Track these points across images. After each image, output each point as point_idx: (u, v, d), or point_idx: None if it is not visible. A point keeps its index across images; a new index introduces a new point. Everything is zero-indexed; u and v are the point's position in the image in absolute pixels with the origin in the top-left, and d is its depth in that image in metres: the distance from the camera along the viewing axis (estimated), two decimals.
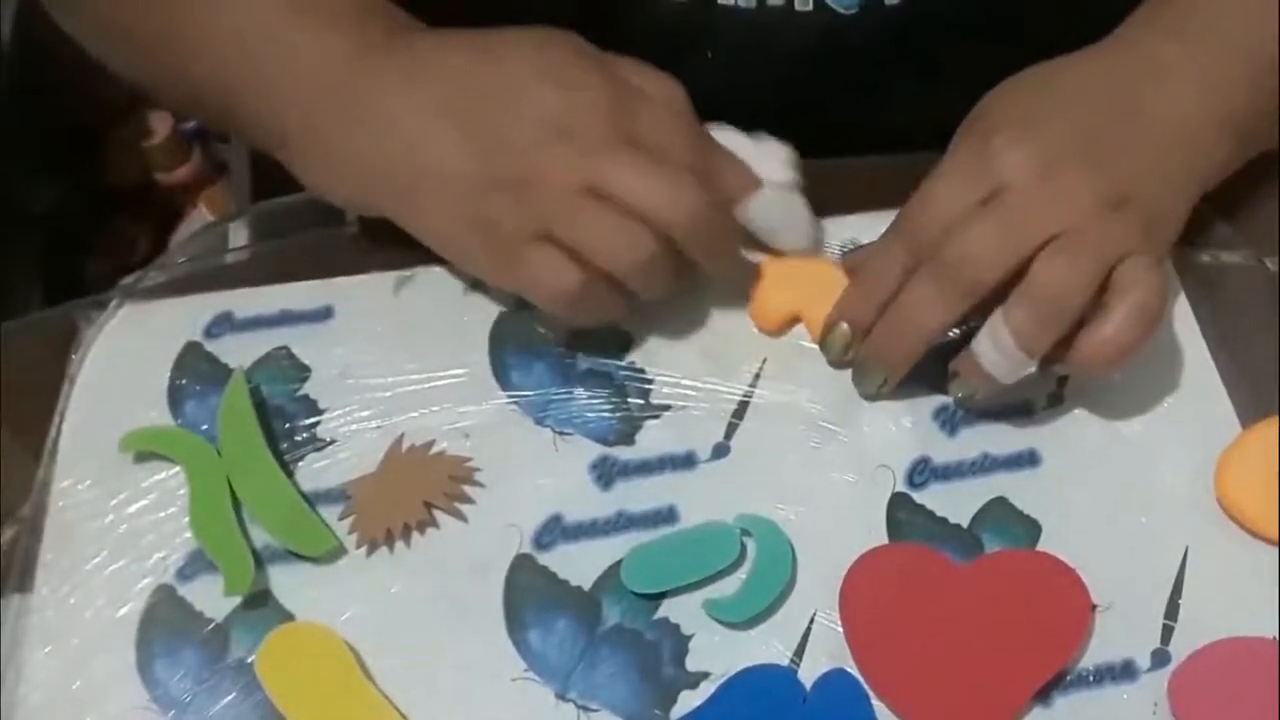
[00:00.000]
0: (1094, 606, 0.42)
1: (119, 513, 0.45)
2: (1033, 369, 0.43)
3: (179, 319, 0.49)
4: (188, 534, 0.44)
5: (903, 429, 0.46)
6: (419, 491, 0.45)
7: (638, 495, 0.45)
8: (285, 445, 0.46)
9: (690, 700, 0.41)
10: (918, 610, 0.42)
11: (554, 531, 0.44)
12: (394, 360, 0.48)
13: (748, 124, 0.48)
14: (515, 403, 0.47)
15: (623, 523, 0.44)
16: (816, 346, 0.47)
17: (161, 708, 0.41)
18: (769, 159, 0.47)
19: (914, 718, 0.40)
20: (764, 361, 0.48)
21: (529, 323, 0.49)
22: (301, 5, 0.47)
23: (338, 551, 0.44)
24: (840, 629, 0.42)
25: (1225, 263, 0.50)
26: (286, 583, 0.43)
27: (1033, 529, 0.44)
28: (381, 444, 0.46)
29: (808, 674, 0.41)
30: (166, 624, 0.43)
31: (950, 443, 0.46)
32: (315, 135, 0.46)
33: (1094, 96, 0.46)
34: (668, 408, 0.47)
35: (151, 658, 0.42)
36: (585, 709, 0.41)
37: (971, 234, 0.42)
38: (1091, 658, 0.41)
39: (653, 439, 0.46)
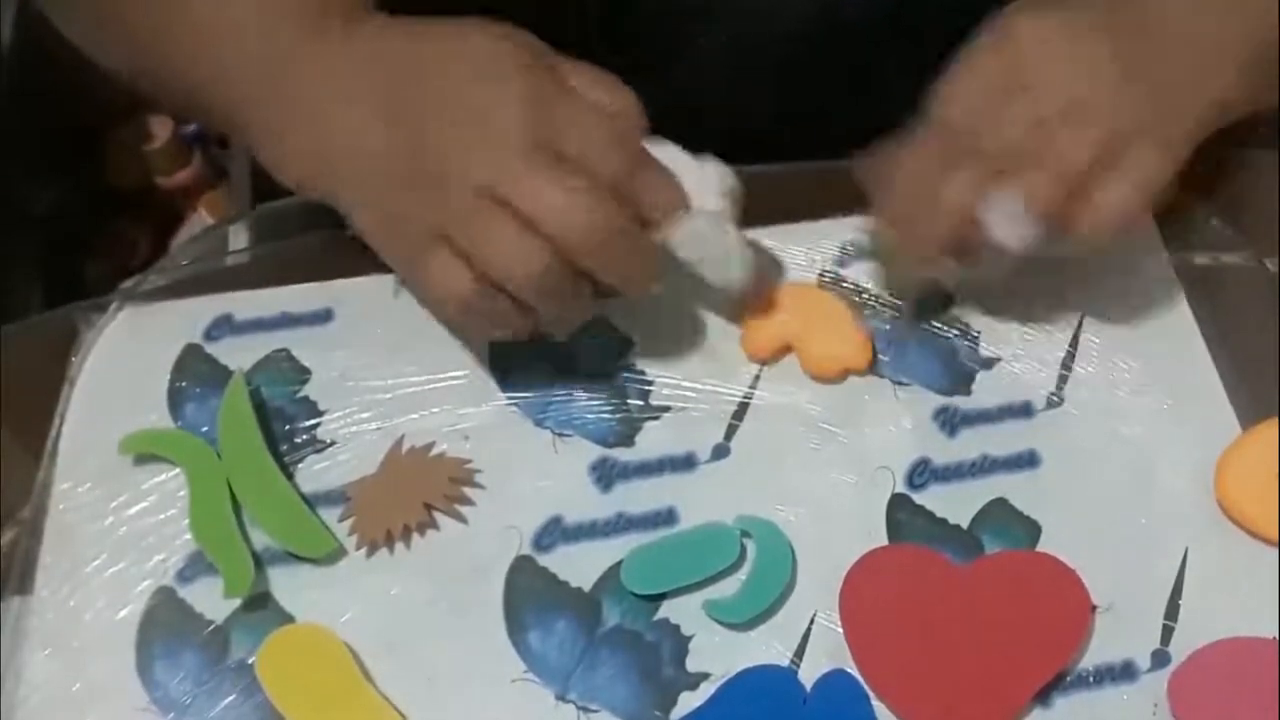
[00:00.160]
0: (1094, 607, 0.42)
1: (119, 515, 0.45)
2: (1038, 233, 0.43)
3: (179, 321, 0.49)
4: (188, 536, 0.44)
5: (902, 430, 0.46)
6: (419, 493, 0.45)
7: (637, 496, 0.45)
8: (285, 447, 0.46)
9: (690, 701, 0.41)
10: (918, 610, 0.42)
11: (554, 533, 0.44)
12: (394, 362, 0.48)
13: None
14: (515, 404, 0.47)
15: (622, 524, 0.44)
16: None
17: (161, 709, 0.41)
18: (705, 183, 0.44)
19: (914, 718, 0.40)
20: (764, 363, 0.48)
21: None
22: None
23: (338, 553, 0.44)
24: (840, 629, 0.42)
25: (1225, 263, 0.50)
26: (286, 584, 0.43)
27: (1033, 530, 0.44)
28: (381, 446, 0.46)
29: (808, 674, 0.41)
30: (166, 626, 0.43)
31: (950, 444, 0.46)
32: (263, 123, 0.46)
33: (1101, 2, 0.46)
34: (667, 409, 0.47)
35: (151, 660, 0.42)
36: (585, 710, 0.41)
37: (1001, 115, 0.43)
38: (1091, 658, 0.41)
39: (652, 440, 0.46)
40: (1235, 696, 0.40)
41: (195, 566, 0.43)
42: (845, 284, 0.50)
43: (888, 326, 0.49)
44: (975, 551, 0.44)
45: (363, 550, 0.44)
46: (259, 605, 0.43)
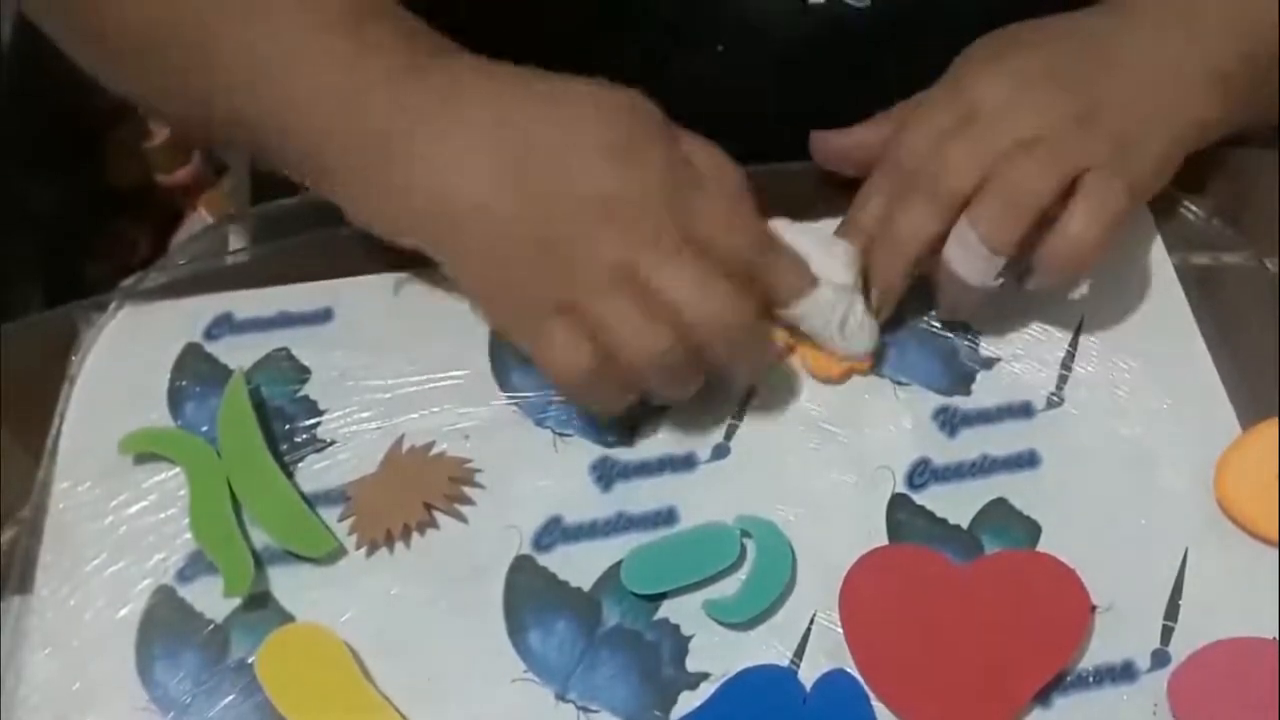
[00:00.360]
0: (1094, 607, 0.42)
1: (119, 514, 0.45)
2: (999, 267, 0.43)
3: (179, 320, 0.49)
4: (188, 535, 0.44)
5: (902, 430, 0.46)
6: (419, 493, 0.45)
7: (638, 496, 0.45)
8: (285, 446, 0.46)
9: (690, 701, 0.41)
10: (918, 610, 0.42)
11: (554, 532, 0.44)
12: (394, 361, 0.48)
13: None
14: (515, 404, 0.47)
15: (623, 524, 0.44)
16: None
17: (161, 709, 0.41)
18: (830, 257, 0.45)
19: (914, 718, 0.40)
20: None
21: None
22: (334, 24, 0.44)
23: (338, 553, 0.44)
24: (840, 629, 0.42)
25: (1225, 263, 0.50)
26: (286, 584, 0.43)
27: (1033, 529, 0.44)
28: (381, 445, 0.46)
29: (808, 674, 0.41)
30: (166, 625, 0.43)
31: (950, 444, 0.46)
32: (358, 169, 0.44)
33: (1071, 40, 0.47)
34: (667, 408, 0.47)
35: (151, 659, 0.42)
36: (585, 710, 0.41)
37: (948, 149, 0.44)
38: (1091, 658, 0.41)
39: (652, 440, 0.46)
40: (1235, 696, 0.40)
41: (195, 566, 0.43)
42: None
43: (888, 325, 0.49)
44: (975, 551, 0.44)
45: (363, 550, 0.44)
46: (259, 605, 0.43)
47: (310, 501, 0.45)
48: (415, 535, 0.44)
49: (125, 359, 0.49)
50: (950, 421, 0.46)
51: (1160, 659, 0.41)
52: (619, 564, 0.43)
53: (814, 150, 0.49)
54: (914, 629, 0.42)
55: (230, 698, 0.41)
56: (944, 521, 0.44)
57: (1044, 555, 0.43)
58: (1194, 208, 0.51)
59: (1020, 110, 0.44)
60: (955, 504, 0.45)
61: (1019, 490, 0.45)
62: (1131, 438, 0.46)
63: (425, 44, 0.45)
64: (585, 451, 0.46)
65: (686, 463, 0.46)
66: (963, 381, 0.47)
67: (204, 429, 0.46)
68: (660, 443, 0.46)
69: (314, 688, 0.41)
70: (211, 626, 0.43)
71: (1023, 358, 0.48)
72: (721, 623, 0.42)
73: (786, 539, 0.44)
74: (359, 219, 0.45)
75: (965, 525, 0.44)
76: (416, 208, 0.44)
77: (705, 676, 0.41)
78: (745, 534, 0.44)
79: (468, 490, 0.45)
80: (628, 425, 0.46)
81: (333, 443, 0.46)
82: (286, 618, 0.43)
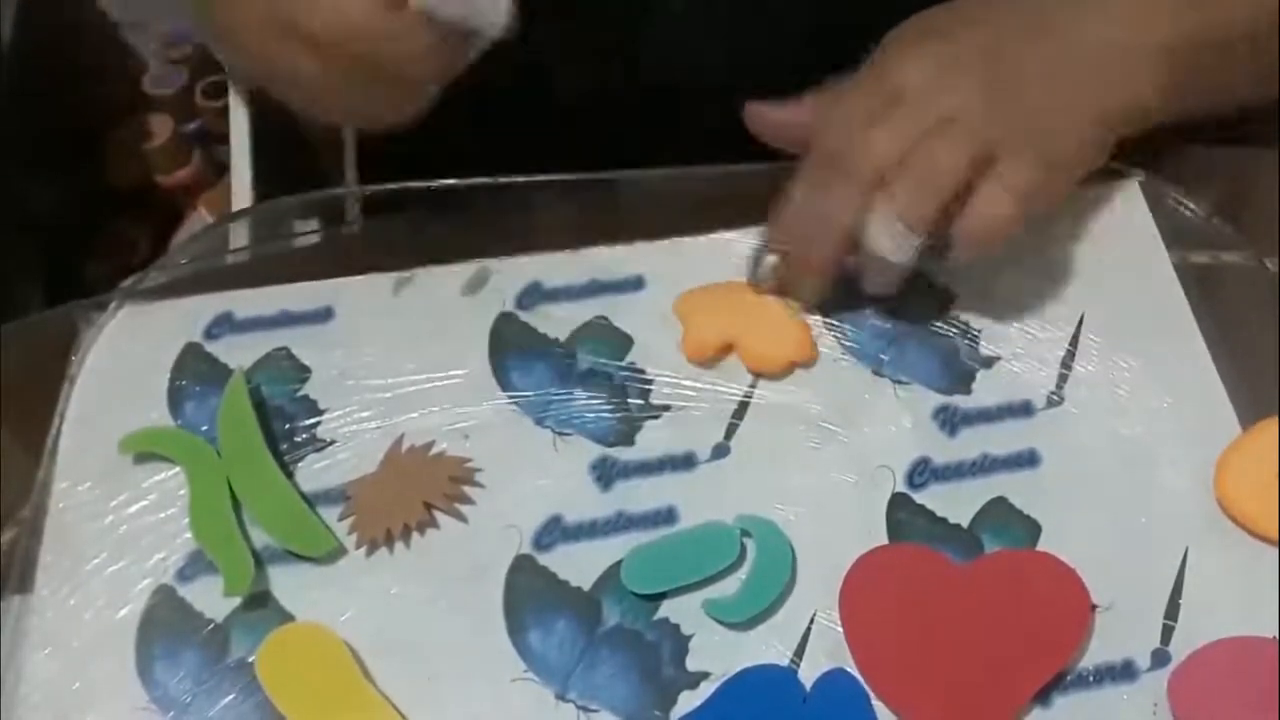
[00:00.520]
0: (1094, 606, 0.42)
1: (119, 513, 0.45)
2: (916, 244, 0.44)
3: (179, 320, 0.49)
4: (188, 535, 0.44)
5: (903, 429, 0.46)
6: (419, 492, 0.45)
7: (637, 496, 0.45)
8: (285, 446, 0.46)
9: (690, 700, 0.41)
10: (918, 610, 0.42)
11: (554, 532, 0.44)
12: (394, 361, 0.48)
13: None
14: (515, 403, 0.47)
15: (623, 523, 0.44)
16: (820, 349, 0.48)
17: (161, 708, 0.41)
18: None
19: (914, 717, 0.40)
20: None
21: (529, 323, 0.49)
22: None
23: (338, 552, 0.44)
24: (840, 629, 0.42)
25: (1225, 263, 0.50)
26: (286, 583, 0.43)
27: (1033, 529, 0.44)
28: (381, 445, 0.46)
29: (808, 674, 0.41)
30: (166, 625, 0.43)
31: (950, 443, 0.46)
32: None
33: (1010, 15, 0.47)
34: (667, 408, 0.47)
35: (151, 659, 0.42)
36: (585, 709, 0.41)
37: (870, 132, 0.44)
38: (1091, 658, 0.41)
39: (652, 439, 0.46)
40: (1235, 696, 0.40)
41: (195, 565, 0.43)
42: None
43: (888, 325, 0.49)
44: (975, 551, 0.44)
45: (363, 549, 0.44)
46: (259, 604, 0.43)
47: (310, 501, 0.45)
48: (415, 535, 0.44)
49: (125, 359, 0.49)
50: (950, 421, 0.46)
51: (1160, 658, 0.41)
52: (619, 564, 0.43)
53: (749, 122, 0.49)
54: (914, 629, 0.42)
55: (230, 697, 0.41)
56: (944, 521, 0.44)
57: (1044, 555, 0.43)
58: (1194, 207, 0.51)
59: (940, 92, 0.45)
60: (955, 503, 0.45)
61: (1019, 490, 0.45)
62: (1131, 437, 0.46)
63: None
64: (585, 451, 0.46)
65: (686, 462, 0.46)
66: (963, 381, 0.47)
67: (204, 429, 0.46)
68: (660, 442, 0.46)
69: (314, 687, 0.41)
70: (211, 626, 0.43)
71: (1023, 357, 0.48)
72: (721, 622, 0.42)
73: (786, 539, 0.44)
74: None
75: (965, 525, 0.44)
76: None
77: (705, 676, 0.41)
78: (745, 534, 0.44)
79: (468, 490, 0.45)
80: (628, 427, 0.46)
81: (333, 442, 0.46)
82: (286, 617, 0.43)
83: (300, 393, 0.48)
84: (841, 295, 0.49)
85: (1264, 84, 0.49)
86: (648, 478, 0.45)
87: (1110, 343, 0.48)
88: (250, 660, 0.42)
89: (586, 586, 0.43)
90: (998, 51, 0.46)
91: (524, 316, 0.49)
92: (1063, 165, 0.46)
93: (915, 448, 0.46)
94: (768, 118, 0.49)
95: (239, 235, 0.53)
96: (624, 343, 0.48)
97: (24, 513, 0.45)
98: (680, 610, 0.43)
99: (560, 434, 0.46)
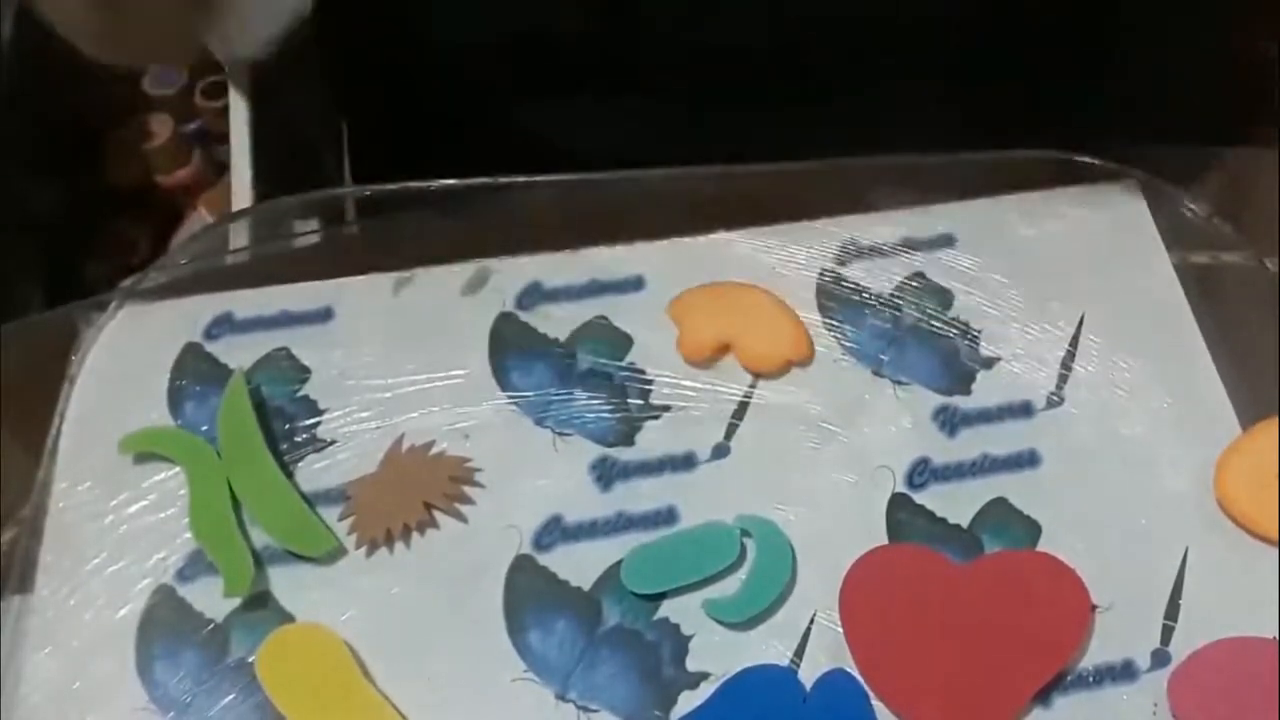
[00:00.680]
0: (1094, 606, 0.42)
1: (119, 513, 0.45)
2: None
3: (179, 320, 0.49)
4: (188, 535, 0.44)
5: (902, 429, 0.46)
6: (419, 492, 0.45)
7: (637, 496, 0.45)
8: (285, 446, 0.46)
9: (690, 701, 0.41)
10: (918, 610, 0.42)
11: (554, 532, 0.44)
12: (394, 361, 0.48)
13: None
14: (515, 403, 0.47)
15: (623, 523, 0.44)
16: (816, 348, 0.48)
17: (161, 708, 0.41)
18: None
19: (914, 717, 0.40)
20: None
21: (529, 323, 0.49)
22: None
23: (338, 552, 0.44)
24: (840, 629, 0.42)
25: (1225, 262, 0.50)
26: (286, 584, 0.43)
27: (1033, 529, 0.44)
28: (381, 444, 0.46)
29: (808, 674, 0.41)
30: (166, 625, 0.43)
31: (950, 443, 0.46)
32: None
33: None
34: (667, 408, 0.47)
35: (151, 659, 0.42)
36: (585, 709, 0.41)
37: None
38: (1091, 658, 0.41)
39: (652, 440, 0.46)
40: (1235, 696, 0.40)
41: (195, 565, 0.43)
42: (845, 283, 0.50)
43: (888, 325, 0.49)
44: (975, 551, 0.44)
45: (363, 549, 0.44)
46: (259, 604, 0.43)
47: (310, 501, 0.45)
48: (415, 535, 0.44)
49: (125, 359, 0.49)
50: (950, 421, 0.46)
51: (1160, 659, 0.41)
52: (619, 564, 0.43)
53: None
54: (914, 629, 0.42)
55: (230, 698, 0.41)
56: (944, 521, 0.44)
57: (1044, 555, 0.43)
58: (1194, 207, 0.51)
59: None
60: (955, 503, 0.45)
61: (1019, 490, 0.45)
62: (1131, 438, 0.46)
63: None
64: (585, 451, 0.46)
65: (686, 462, 0.46)
66: (963, 381, 0.47)
67: (204, 429, 0.46)
68: (660, 442, 0.46)
69: (314, 688, 0.41)
70: (211, 626, 0.43)
71: (1023, 357, 0.48)
72: (721, 622, 0.42)
73: (786, 539, 0.44)
74: None
75: (965, 525, 0.44)
76: None
77: (705, 676, 0.41)
78: (745, 534, 0.44)
79: (468, 490, 0.45)
80: (628, 427, 0.46)
81: (333, 442, 0.46)
82: (286, 618, 0.43)
83: (300, 393, 0.48)
84: (841, 295, 0.49)
85: None
86: (648, 478, 0.45)
87: (1110, 343, 0.48)
88: (250, 660, 0.42)
89: (586, 586, 0.43)
90: None
91: (524, 316, 0.49)
92: None
93: (915, 448, 0.46)
94: None
95: (239, 235, 0.53)
96: (624, 343, 0.48)
97: (24, 513, 0.45)
98: (680, 610, 0.43)
99: (560, 434, 0.46)
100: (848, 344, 0.48)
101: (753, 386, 0.47)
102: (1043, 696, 0.41)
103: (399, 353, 0.48)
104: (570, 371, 0.48)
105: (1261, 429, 0.45)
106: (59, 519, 0.45)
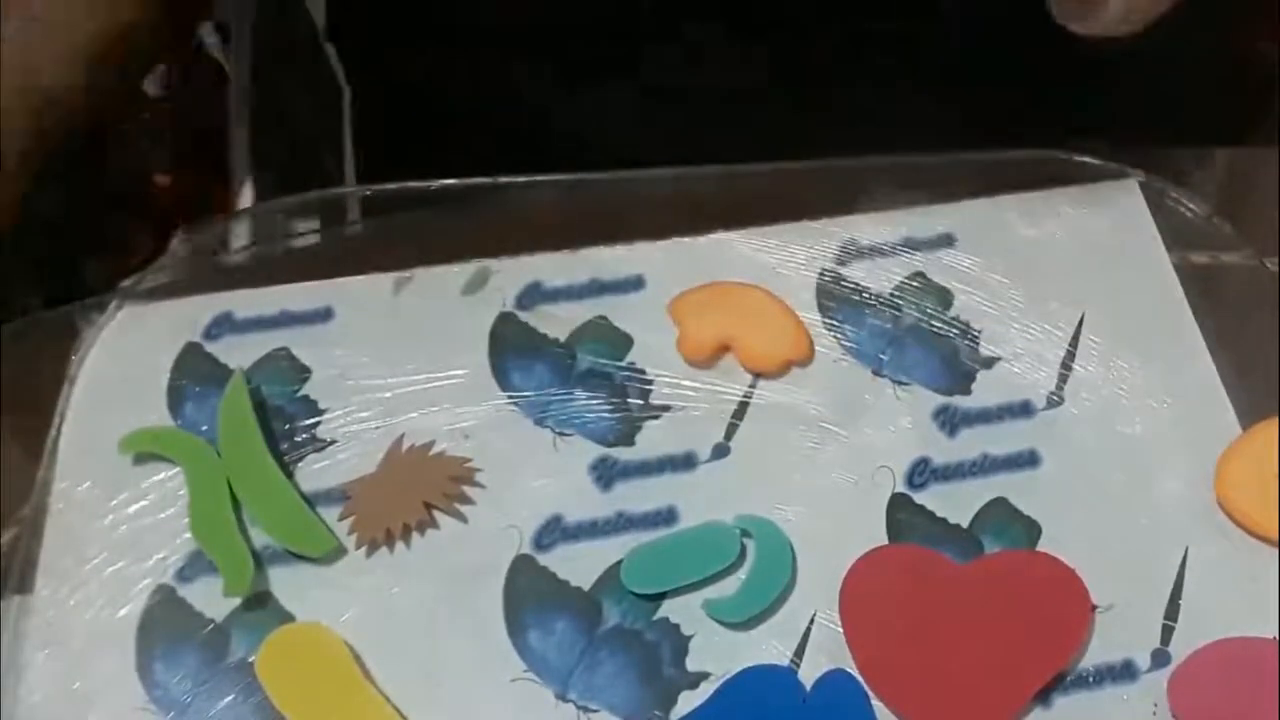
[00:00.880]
0: (1094, 607, 0.42)
1: (119, 513, 0.45)
2: None
3: (179, 320, 0.49)
4: (188, 535, 0.44)
5: (902, 429, 0.46)
6: (419, 492, 0.45)
7: (637, 496, 0.45)
8: (285, 446, 0.46)
9: (690, 701, 0.41)
10: (918, 610, 0.42)
11: (554, 532, 0.44)
12: (394, 361, 0.48)
13: None
14: (515, 403, 0.47)
15: (622, 523, 0.44)
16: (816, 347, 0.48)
17: (161, 709, 0.41)
18: None
19: (914, 718, 0.40)
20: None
21: (529, 323, 0.49)
22: None
23: (337, 552, 0.44)
24: (840, 629, 0.42)
25: (1225, 263, 0.50)
26: (286, 583, 0.43)
27: (1033, 529, 0.44)
28: (381, 444, 0.46)
29: (808, 674, 0.41)
30: (166, 625, 0.43)
31: (950, 443, 0.46)
32: None
33: None
34: (667, 408, 0.47)
35: (151, 659, 0.42)
36: (585, 709, 0.41)
37: None
38: (1091, 658, 0.41)
39: (652, 439, 0.46)
40: (1235, 696, 0.40)
41: (195, 565, 0.43)
42: (845, 283, 0.50)
43: (888, 325, 0.49)
44: (975, 551, 0.44)
45: (362, 549, 0.44)
46: (259, 604, 0.43)
47: (310, 501, 0.45)
48: (415, 535, 0.44)
49: (125, 359, 0.49)
50: (950, 421, 0.46)
51: (1160, 659, 0.41)
52: (619, 564, 0.43)
53: None
54: (914, 629, 0.42)
55: (230, 698, 0.41)
56: (944, 521, 0.44)
57: (1044, 555, 0.43)
58: (1194, 207, 0.51)
59: None
60: (955, 504, 0.45)
61: (1019, 490, 0.45)
62: (1131, 438, 0.46)
63: None
64: (585, 451, 0.46)
65: (686, 462, 0.46)
66: (963, 381, 0.47)
67: (204, 429, 0.46)
68: (660, 442, 0.46)
69: (314, 688, 0.41)
70: (211, 626, 0.43)
71: (1023, 357, 0.48)
72: (721, 623, 0.42)
73: (786, 539, 0.44)
74: None
75: (965, 525, 0.44)
76: None
77: (705, 676, 0.41)
78: (745, 534, 0.44)
79: (468, 490, 0.45)
80: (629, 427, 0.46)
81: (333, 442, 0.46)
82: (286, 617, 0.43)
83: (300, 393, 0.48)
84: (841, 295, 0.49)
85: None
86: (648, 478, 0.45)
87: (1110, 343, 0.48)
88: (250, 660, 0.42)
89: (586, 586, 0.43)
90: None
91: (524, 316, 0.49)
92: None
93: (915, 448, 0.46)
94: None
95: (239, 235, 0.53)
96: (624, 343, 0.48)
97: (24, 512, 0.45)
98: (680, 610, 0.43)
99: (560, 434, 0.46)
100: (848, 344, 0.48)
101: (753, 386, 0.47)
102: (1043, 696, 0.41)
103: (399, 353, 0.48)
104: (570, 371, 0.48)
105: (1261, 429, 0.45)
106: (59, 519, 0.45)
